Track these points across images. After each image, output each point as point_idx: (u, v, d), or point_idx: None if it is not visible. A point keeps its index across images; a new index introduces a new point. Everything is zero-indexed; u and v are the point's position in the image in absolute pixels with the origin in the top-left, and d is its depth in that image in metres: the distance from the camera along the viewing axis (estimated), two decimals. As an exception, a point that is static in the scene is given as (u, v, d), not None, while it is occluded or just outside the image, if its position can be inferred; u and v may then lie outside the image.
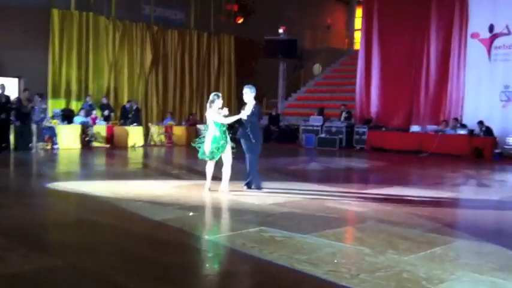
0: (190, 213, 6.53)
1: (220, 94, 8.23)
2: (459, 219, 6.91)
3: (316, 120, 19.65)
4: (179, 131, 19.03)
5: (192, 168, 11.53)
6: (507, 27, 16.91)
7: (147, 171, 12.29)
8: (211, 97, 8.12)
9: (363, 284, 4.08)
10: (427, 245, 5.22)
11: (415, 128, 17.78)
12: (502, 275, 4.31)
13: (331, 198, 7.88)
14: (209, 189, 8.07)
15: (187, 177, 10.18)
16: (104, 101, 18.64)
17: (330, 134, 19.08)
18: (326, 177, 11.75)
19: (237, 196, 7.83)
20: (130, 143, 17.27)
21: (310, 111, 21.01)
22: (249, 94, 8.38)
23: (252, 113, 8.20)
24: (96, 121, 17.34)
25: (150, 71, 21.54)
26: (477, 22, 17.53)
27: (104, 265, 4.47)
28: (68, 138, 15.85)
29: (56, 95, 19.02)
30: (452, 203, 8.54)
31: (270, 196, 7.86)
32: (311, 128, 19.59)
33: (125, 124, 17.79)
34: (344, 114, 19.73)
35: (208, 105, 8.12)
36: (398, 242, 5.32)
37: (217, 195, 7.89)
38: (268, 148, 18.63)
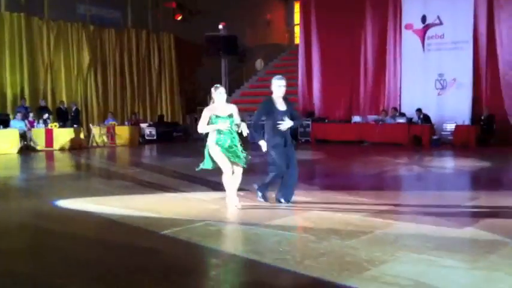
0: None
1: (218, 85, 6.65)
2: (399, 204, 7.12)
3: (260, 115, 19.70)
4: (122, 131, 18.69)
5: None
6: (438, 17, 17.57)
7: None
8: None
9: (307, 269, 4.14)
10: (368, 229, 5.36)
11: (356, 119, 18.21)
12: (439, 254, 4.48)
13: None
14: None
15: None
16: (42, 103, 18.10)
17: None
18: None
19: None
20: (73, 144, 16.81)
21: (255, 107, 21.03)
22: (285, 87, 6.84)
23: (288, 109, 6.79)
24: (34, 124, 16.79)
25: (88, 71, 21.05)
26: (410, 13, 18.13)
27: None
28: (5, 143, 15.28)
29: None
30: (392, 189, 8.81)
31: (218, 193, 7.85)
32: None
33: (64, 126, 17.30)
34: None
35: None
36: (341, 228, 5.44)
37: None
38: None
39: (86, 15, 21.25)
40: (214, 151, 6.46)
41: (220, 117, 6.47)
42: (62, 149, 16.39)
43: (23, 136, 16.02)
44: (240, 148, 6.52)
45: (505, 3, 16.39)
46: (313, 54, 20.85)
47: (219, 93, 6.51)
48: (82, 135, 17.34)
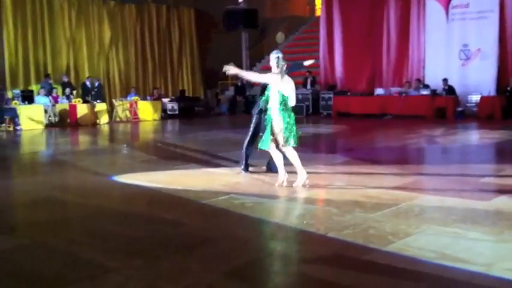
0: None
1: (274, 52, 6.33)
2: (423, 177, 7.08)
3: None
4: (144, 106, 18.81)
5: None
6: (464, -14, 17.12)
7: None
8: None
9: (332, 241, 4.17)
10: (393, 202, 5.35)
11: (379, 91, 18.00)
12: (465, 226, 4.46)
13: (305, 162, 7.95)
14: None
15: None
16: (65, 79, 18.30)
17: (297, 101, 19.10)
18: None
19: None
20: (95, 120, 17.00)
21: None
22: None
23: None
24: (58, 100, 17.00)
25: (109, 47, 21.15)
26: (434, -18, 17.69)
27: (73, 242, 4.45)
28: (31, 119, 15.53)
29: (13, 76, 18.54)
30: (416, 162, 8.75)
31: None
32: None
33: (87, 102, 17.49)
34: (309, 81, 19.81)
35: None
36: (365, 201, 5.44)
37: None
38: (237, 119, 18.70)
39: (107, -9, 21.26)
40: (280, 125, 6.11)
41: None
42: (86, 124, 16.59)
43: (47, 111, 16.24)
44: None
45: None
46: (335, 26, 20.55)
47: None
48: (104, 111, 17.49)
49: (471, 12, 17.00)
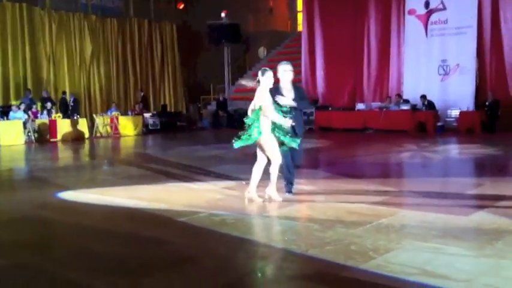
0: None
1: (267, 68, 6.18)
2: (404, 192, 7.11)
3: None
4: (125, 121, 18.68)
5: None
6: (442, 2, 17.42)
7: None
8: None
9: (313, 258, 4.15)
10: (374, 218, 5.35)
11: (360, 106, 18.15)
12: (445, 241, 4.47)
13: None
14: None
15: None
16: (45, 94, 18.12)
17: (278, 116, 19.17)
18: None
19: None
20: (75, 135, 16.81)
21: (257, 95, 21.00)
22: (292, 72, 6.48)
23: (296, 96, 6.39)
24: (38, 115, 16.82)
25: (90, 61, 21.03)
26: (414, -1, 17.98)
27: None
28: (9, 134, 15.31)
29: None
30: (397, 176, 8.81)
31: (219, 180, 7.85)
32: (258, 111, 19.66)
33: (65, 117, 17.32)
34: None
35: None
36: (346, 217, 5.44)
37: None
38: (220, 134, 18.66)
39: (88, 5, 21.19)
40: (268, 139, 6.02)
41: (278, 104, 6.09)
42: (65, 140, 16.42)
43: (26, 127, 16.03)
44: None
45: (509, -13, 16.24)
46: (316, 41, 20.74)
47: (266, 78, 6.01)
48: (83, 126, 17.33)
49: (450, 28, 17.29)
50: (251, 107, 6.17)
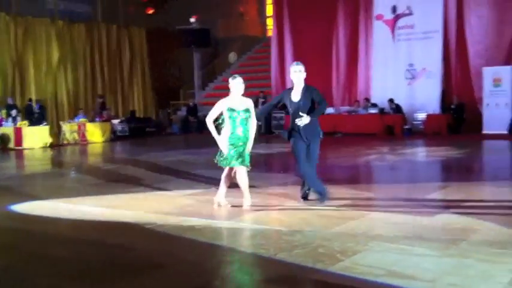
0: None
1: (236, 75, 6.09)
2: (372, 195, 7.19)
3: (234, 109, 19.82)
4: (92, 127, 18.40)
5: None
6: (408, 8, 17.73)
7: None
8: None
9: (281, 262, 4.16)
10: (342, 220, 5.40)
11: (329, 110, 18.27)
12: (411, 242, 4.54)
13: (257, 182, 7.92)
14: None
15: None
16: (10, 101, 17.76)
17: (249, 121, 19.22)
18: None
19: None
20: (40, 143, 16.45)
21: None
22: (303, 73, 6.15)
23: (306, 98, 6.10)
24: (2, 123, 16.46)
25: (57, 67, 20.69)
26: (381, 4, 18.27)
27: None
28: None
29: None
30: (365, 179, 8.90)
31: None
32: (229, 116, 19.72)
33: (31, 124, 16.98)
34: (261, 101, 19.94)
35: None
36: (315, 220, 5.47)
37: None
38: (190, 139, 18.57)
39: (55, 10, 20.87)
40: (224, 144, 5.93)
41: (235, 110, 5.88)
42: (31, 148, 16.09)
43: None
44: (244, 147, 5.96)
45: (474, -9, 16.65)
46: (286, 46, 20.87)
47: (237, 83, 5.86)
48: (50, 133, 17.01)
49: (416, 33, 17.60)
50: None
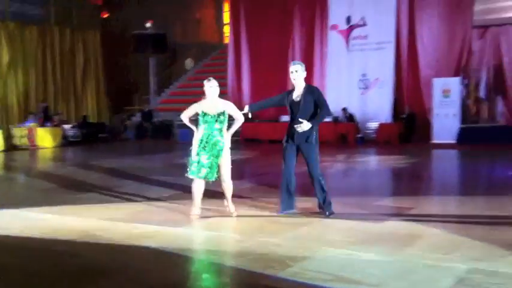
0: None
1: (211, 78, 5.90)
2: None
3: (190, 115, 19.80)
4: (43, 132, 17.91)
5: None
6: (363, 19, 18.11)
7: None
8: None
9: (232, 267, 4.16)
10: (293, 227, 5.45)
11: (285, 118, 18.43)
12: (359, 248, 4.63)
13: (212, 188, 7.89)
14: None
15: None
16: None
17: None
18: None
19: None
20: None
21: (184, 106, 20.81)
22: (300, 73, 5.90)
23: (306, 100, 5.83)
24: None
25: (8, 70, 20.08)
26: (336, 14, 18.57)
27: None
28: None
29: None
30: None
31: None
32: (185, 123, 19.69)
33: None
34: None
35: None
36: (267, 226, 5.50)
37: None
38: (144, 145, 18.33)
39: (6, 12, 20.27)
40: (193, 149, 5.79)
41: (207, 115, 5.75)
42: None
43: None
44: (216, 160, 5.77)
45: (425, 4, 17.16)
46: (243, 53, 20.95)
47: (209, 87, 5.74)
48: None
49: (370, 43, 17.98)
50: None
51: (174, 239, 5.18)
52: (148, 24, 22.82)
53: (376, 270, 4.05)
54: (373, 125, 17.28)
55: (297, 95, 5.86)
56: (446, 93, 16.26)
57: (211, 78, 5.89)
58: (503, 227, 5.40)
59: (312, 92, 5.82)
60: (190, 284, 4.03)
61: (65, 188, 8.59)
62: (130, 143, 19.89)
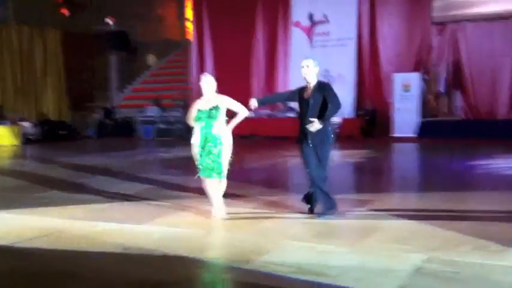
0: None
1: (207, 73, 5.92)
2: (285, 195, 7.32)
3: (153, 111, 19.64)
4: (1, 130, 17.42)
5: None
6: (325, 16, 18.30)
7: None
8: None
9: (196, 262, 4.16)
10: (256, 221, 5.48)
11: (250, 114, 18.47)
12: (319, 240, 4.72)
13: (175, 183, 7.86)
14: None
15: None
16: None
17: (169, 125, 19.12)
18: (168, 166, 11.70)
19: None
20: None
21: (147, 103, 20.75)
22: (312, 68, 5.62)
23: (316, 99, 5.51)
24: None
25: (-37, 68, 19.48)
26: (299, 11, 18.73)
27: None
28: None
29: None
30: (278, 181, 9.07)
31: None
32: (148, 119, 19.53)
33: None
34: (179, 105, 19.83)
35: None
36: (229, 222, 5.51)
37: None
38: (105, 143, 18.06)
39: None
40: (194, 150, 5.70)
41: (201, 111, 5.62)
42: None
43: None
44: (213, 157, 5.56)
45: (386, 1, 17.46)
46: (206, 50, 20.89)
47: (204, 82, 5.65)
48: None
49: (332, 40, 18.19)
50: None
51: (134, 236, 5.12)
52: (109, 22, 22.47)
53: (336, 262, 4.13)
54: (336, 120, 17.45)
55: (307, 92, 5.60)
56: (406, 88, 16.61)
57: (207, 73, 5.83)
58: (459, 219, 5.55)
59: (321, 89, 5.53)
60: (151, 280, 4.00)
61: (25, 187, 8.40)
62: (91, 141, 19.55)
